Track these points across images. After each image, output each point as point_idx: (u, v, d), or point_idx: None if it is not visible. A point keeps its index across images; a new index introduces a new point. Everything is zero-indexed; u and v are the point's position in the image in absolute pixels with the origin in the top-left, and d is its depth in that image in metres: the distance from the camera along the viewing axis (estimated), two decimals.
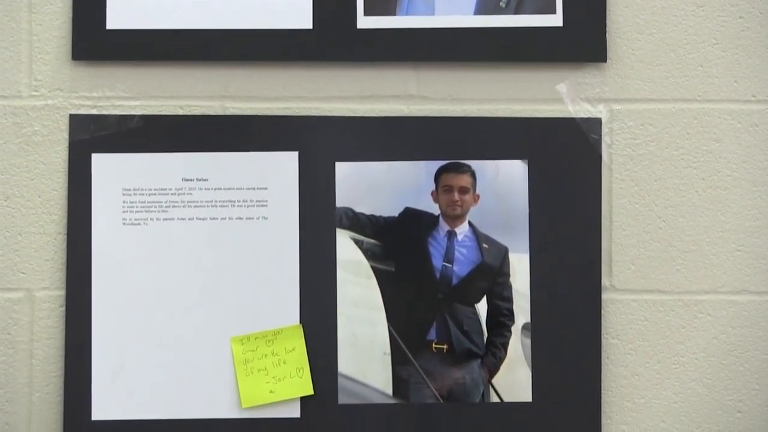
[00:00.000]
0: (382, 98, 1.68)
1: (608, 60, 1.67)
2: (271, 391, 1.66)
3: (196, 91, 1.68)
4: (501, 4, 1.66)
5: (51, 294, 1.68)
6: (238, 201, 1.67)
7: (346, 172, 1.67)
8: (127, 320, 1.66)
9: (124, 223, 1.67)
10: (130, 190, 1.68)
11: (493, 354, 1.67)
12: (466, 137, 1.67)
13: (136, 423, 1.66)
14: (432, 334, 1.68)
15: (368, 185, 1.67)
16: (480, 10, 1.66)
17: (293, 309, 1.67)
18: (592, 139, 1.67)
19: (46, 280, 1.68)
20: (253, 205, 1.67)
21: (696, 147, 1.67)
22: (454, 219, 1.68)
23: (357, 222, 1.67)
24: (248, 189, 1.68)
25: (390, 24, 1.66)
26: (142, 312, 1.67)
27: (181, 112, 1.68)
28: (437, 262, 1.68)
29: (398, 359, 1.67)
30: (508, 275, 1.68)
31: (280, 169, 1.67)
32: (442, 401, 1.66)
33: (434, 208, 1.68)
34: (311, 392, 1.66)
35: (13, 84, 1.68)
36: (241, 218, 1.67)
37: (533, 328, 1.66)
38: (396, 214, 1.68)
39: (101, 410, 1.66)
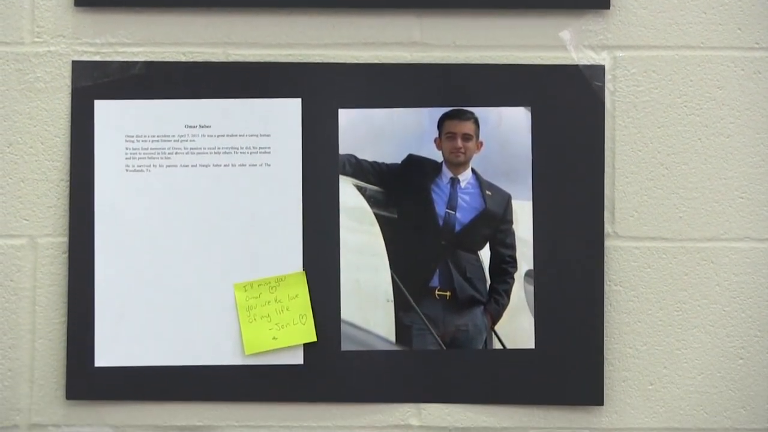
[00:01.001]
0: (385, 45, 1.67)
1: (611, 7, 1.66)
2: (274, 338, 1.66)
3: (198, 38, 1.68)
4: None
5: (54, 241, 1.67)
6: (241, 148, 1.67)
7: (349, 119, 1.67)
8: (130, 267, 1.66)
9: (126, 170, 1.67)
10: (132, 136, 1.67)
11: (496, 301, 1.68)
12: (469, 84, 1.67)
13: (139, 369, 1.66)
14: (435, 281, 1.68)
15: (371, 132, 1.67)
16: None
17: (296, 256, 1.67)
18: (595, 86, 1.66)
19: (48, 227, 1.68)
20: (256, 152, 1.67)
21: (699, 94, 1.67)
22: (457, 166, 1.68)
23: (360, 169, 1.67)
24: (251, 136, 1.67)
25: None
26: (144, 259, 1.67)
27: (183, 59, 1.68)
28: (440, 209, 1.68)
29: (401, 306, 1.67)
30: (511, 222, 1.68)
31: (283, 116, 1.67)
32: (444, 348, 1.67)
33: (437, 155, 1.68)
34: (314, 339, 1.66)
35: (16, 30, 1.68)
36: (243, 165, 1.67)
37: (536, 275, 1.66)
38: (399, 161, 1.68)
39: (104, 357, 1.66)
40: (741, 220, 1.67)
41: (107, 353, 1.66)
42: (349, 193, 1.67)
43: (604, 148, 1.66)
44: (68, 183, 1.67)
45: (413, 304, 1.67)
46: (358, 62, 1.67)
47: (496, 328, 1.67)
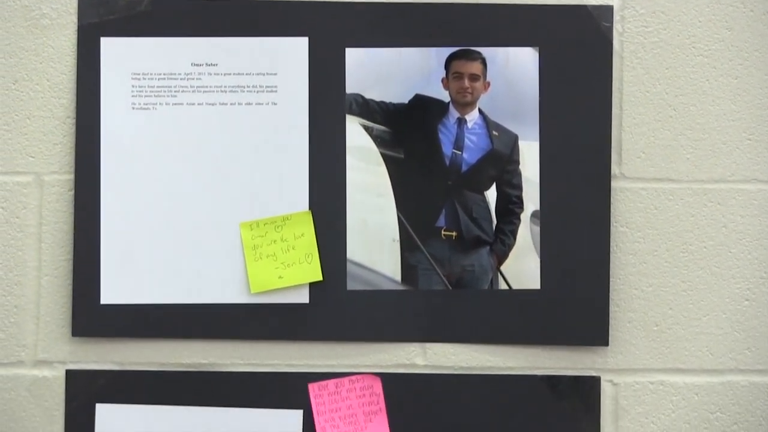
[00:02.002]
0: None
1: None
2: (279, 277, 1.66)
3: None
4: None
5: (59, 178, 1.67)
6: (248, 86, 1.67)
7: (356, 58, 1.66)
8: (136, 205, 1.66)
9: (133, 108, 1.67)
10: (138, 74, 1.67)
11: (502, 241, 1.67)
12: (477, 24, 1.66)
13: (144, 307, 1.66)
14: (441, 221, 1.67)
15: (378, 72, 1.67)
16: None
17: (302, 195, 1.67)
18: (603, 26, 1.66)
19: (54, 164, 1.67)
20: (263, 91, 1.67)
21: (707, 35, 1.66)
22: (464, 106, 1.68)
23: (367, 108, 1.67)
24: (258, 74, 1.67)
25: None
26: (150, 197, 1.66)
27: None
28: (447, 149, 1.68)
29: (407, 246, 1.67)
30: (517, 163, 1.67)
31: (290, 54, 1.66)
32: (450, 288, 1.67)
33: (444, 95, 1.67)
34: (320, 278, 1.66)
35: None
36: (250, 103, 1.67)
37: (542, 216, 1.66)
38: (406, 100, 1.67)
39: (110, 294, 1.66)
40: (748, 162, 1.66)
41: (113, 291, 1.66)
42: (356, 133, 1.67)
43: (612, 89, 1.66)
44: (74, 120, 1.67)
45: (419, 244, 1.67)
46: (366, 1, 1.66)
47: (502, 268, 1.67)
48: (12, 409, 1.68)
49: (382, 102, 1.67)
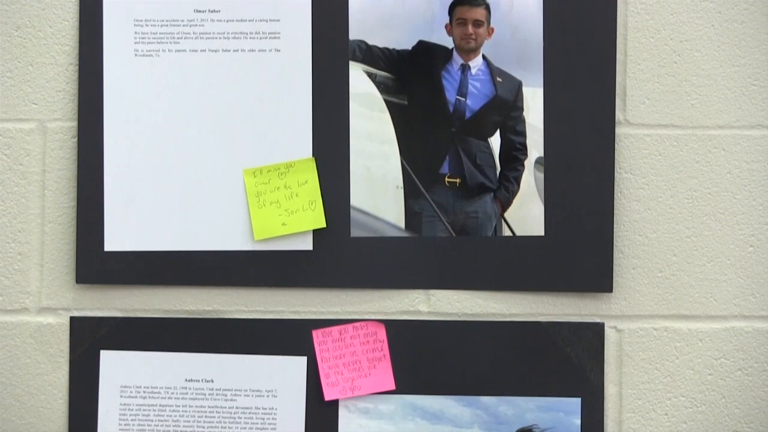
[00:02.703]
0: None
1: None
2: (283, 224, 1.66)
3: None
4: None
5: (63, 125, 1.67)
6: (251, 33, 1.66)
7: (359, 5, 1.66)
8: (140, 152, 1.66)
9: (135, 55, 1.66)
10: (141, 21, 1.66)
11: (506, 188, 1.67)
12: None
13: (148, 254, 1.66)
14: (445, 168, 1.67)
15: (382, 17, 1.66)
16: None
17: (306, 142, 1.66)
18: None
19: (57, 111, 1.67)
20: (266, 37, 1.66)
21: None
22: (468, 52, 1.67)
23: (370, 55, 1.66)
24: (260, 21, 1.66)
25: None
26: (154, 144, 1.66)
27: None
28: (450, 95, 1.67)
29: (411, 193, 1.67)
30: (521, 109, 1.67)
31: (293, 0, 1.66)
32: (454, 235, 1.66)
33: (448, 42, 1.67)
34: (324, 225, 1.66)
35: None
36: (253, 50, 1.66)
37: (546, 162, 1.66)
38: (409, 47, 1.66)
39: (114, 241, 1.66)
40: (753, 108, 1.66)
41: (117, 238, 1.66)
42: (359, 79, 1.66)
43: (616, 35, 1.65)
44: (77, 67, 1.66)
45: (423, 191, 1.66)
46: None
47: (506, 215, 1.67)
48: (17, 356, 1.68)
49: (386, 48, 1.66)
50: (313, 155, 1.66)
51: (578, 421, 1.66)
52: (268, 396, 1.67)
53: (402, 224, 1.67)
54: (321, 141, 1.66)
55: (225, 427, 1.67)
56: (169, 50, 1.66)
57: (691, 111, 1.66)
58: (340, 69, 1.66)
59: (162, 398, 1.67)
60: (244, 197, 1.66)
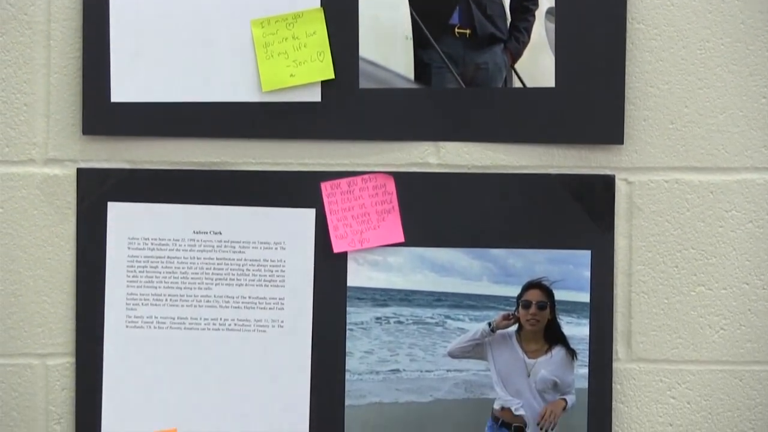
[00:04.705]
0: None
1: None
2: (291, 75, 1.64)
3: None
4: None
5: None
6: None
7: None
8: (146, 1, 1.64)
9: None
10: None
11: (517, 39, 1.65)
12: None
13: (155, 105, 1.64)
14: (455, 18, 1.65)
15: None
16: None
17: None
18: None
19: None
20: None
21: None
22: None
23: None
24: None
25: None
26: None
27: None
28: None
29: (420, 43, 1.65)
30: None
31: None
32: (464, 86, 1.65)
33: None
34: (332, 76, 1.64)
35: None
36: None
37: (557, 13, 1.63)
38: None
39: (120, 92, 1.64)
40: None
41: (123, 89, 1.64)
42: None
43: None
44: None
45: (432, 41, 1.64)
46: None
47: (516, 66, 1.65)
48: (23, 207, 1.67)
49: None
50: (321, 5, 1.64)
51: (588, 273, 1.65)
52: (276, 248, 1.66)
53: (411, 75, 1.65)
54: None
55: (233, 279, 1.66)
56: None
57: None
58: None
59: (170, 250, 1.67)
60: (252, 48, 1.64)
